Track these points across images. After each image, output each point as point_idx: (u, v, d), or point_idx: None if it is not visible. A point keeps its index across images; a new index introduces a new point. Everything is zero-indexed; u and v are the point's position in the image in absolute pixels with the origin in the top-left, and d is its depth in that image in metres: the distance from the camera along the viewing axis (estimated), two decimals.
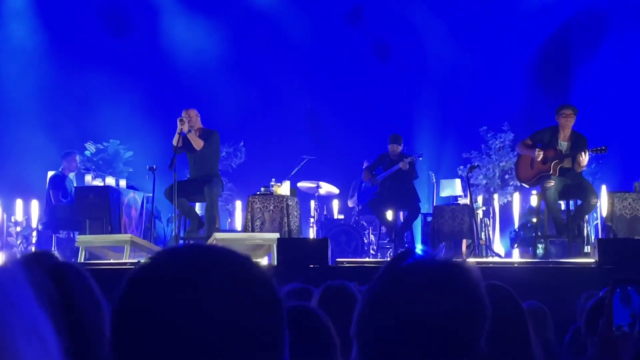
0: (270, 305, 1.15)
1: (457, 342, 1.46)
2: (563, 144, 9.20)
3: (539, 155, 9.19)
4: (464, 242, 10.63)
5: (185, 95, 14.55)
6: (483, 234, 11.15)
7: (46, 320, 0.95)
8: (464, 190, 12.32)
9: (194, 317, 1.09)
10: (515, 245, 12.23)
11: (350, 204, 13.61)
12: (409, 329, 1.45)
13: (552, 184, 9.03)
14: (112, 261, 9.29)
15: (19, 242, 12.00)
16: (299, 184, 12.62)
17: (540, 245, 10.25)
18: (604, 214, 9.82)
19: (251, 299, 1.13)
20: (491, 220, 13.34)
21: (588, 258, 8.61)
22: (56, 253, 10.40)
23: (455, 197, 12.25)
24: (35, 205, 12.09)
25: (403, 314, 1.46)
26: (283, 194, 10.01)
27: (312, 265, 7.35)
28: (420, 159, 11.19)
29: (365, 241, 12.04)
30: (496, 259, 10.10)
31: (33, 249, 11.33)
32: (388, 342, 1.47)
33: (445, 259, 1.55)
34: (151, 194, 10.56)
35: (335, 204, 13.73)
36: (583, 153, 8.93)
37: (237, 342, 1.10)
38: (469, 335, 1.48)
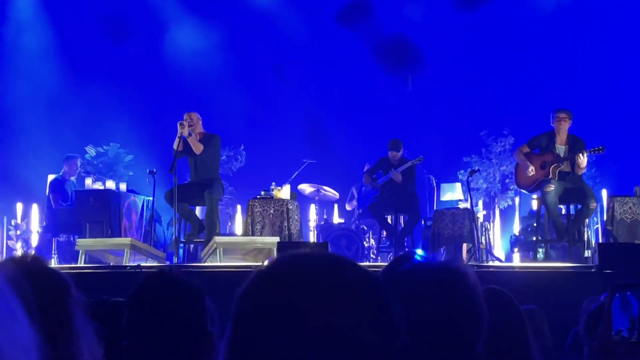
0: (386, 327, 1.15)
1: (454, 345, 1.46)
2: (560, 148, 9.22)
3: (531, 171, 9.24)
4: (465, 246, 10.62)
5: (186, 99, 14.55)
6: (483, 238, 11.14)
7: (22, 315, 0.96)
8: (464, 194, 12.32)
9: (312, 326, 1.08)
10: (516, 249, 12.22)
11: (348, 207, 13.60)
12: (406, 331, 1.45)
13: (552, 188, 9.03)
14: (112, 265, 9.29)
15: (18, 245, 11.99)
16: (300, 187, 12.62)
17: (540, 250, 10.24)
18: (604, 218, 9.82)
19: (369, 323, 1.12)
20: (492, 224, 13.33)
21: (588, 262, 8.60)
22: (56, 256, 10.42)
23: (456, 201, 12.24)
24: (35, 209, 12.09)
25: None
26: (283, 197, 10.00)
27: None
28: (420, 161, 11.16)
29: (366, 245, 12.03)
30: (496, 263, 10.08)
31: (32, 252, 11.32)
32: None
33: (443, 263, 1.54)
34: (151, 198, 10.55)
35: (336, 208, 13.73)
36: (581, 154, 8.94)
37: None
38: (466, 339, 1.48)
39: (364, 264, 10.67)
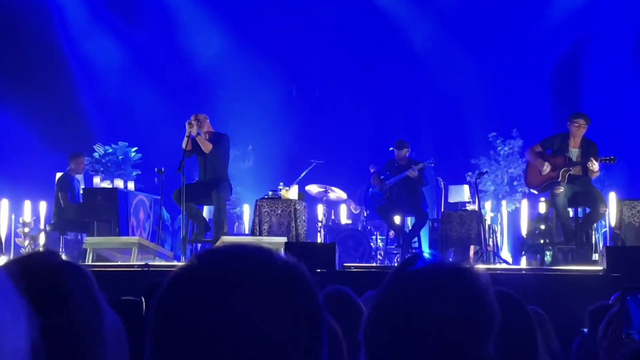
0: (310, 317, 1.14)
1: (465, 347, 1.46)
2: (573, 152, 9.19)
3: (547, 169, 9.20)
4: (472, 249, 10.60)
5: (195, 98, 14.57)
6: (491, 240, 11.12)
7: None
8: (472, 196, 12.30)
9: (231, 322, 1.07)
10: (523, 252, 12.19)
11: (353, 208, 13.59)
12: (417, 333, 1.45)
13: (562, 190, 9.01)
14: (119, 263, 9.30)
15: (26, 243, 12.02)
16: (307, 187, 12.61)
17: (548, 253, 10.22)
18: (613, 222, 9.79)
19: (291, 309, 1.11)
20: (499, 226, 13.31)
21: (596, 266, 8.58)
22: (63, 254, 10.44)
23: (464, 203, 12.23)
24: (43, 207, 12.11)
25: (411, 319, 1.46)
26: (291, 198, 10.00)
27: (319, 270, 7.34)
28: (432, 164, 11.16)
29: (373, 246, 12.02)
30: (504, 266, 10.06)
31: (40, 250, 11.34)
32: (396, 346, 1.46)
33: (454, 264, 1.54)
34: (159, 197, 10.56)
35: (344, 209, 13.72)
36: (593, 160, 8.91)
37: (273, 352, 1.08)
38: (477, 341, 1.47)
39: (372, 265, 10.67)
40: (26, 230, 12.18)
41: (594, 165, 8.92)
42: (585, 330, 3.78)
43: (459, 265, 1.53)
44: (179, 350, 1.09)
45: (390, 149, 11.16)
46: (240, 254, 1.16)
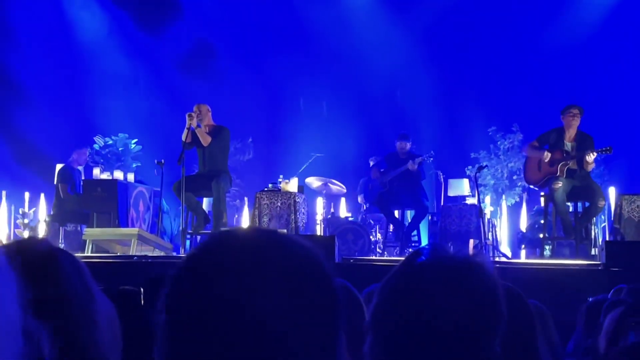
0: (328, 304, 1.12)
1: (474, 340, 1.46)
2: (569, 145, 9.19)
3: (547, 156, 9.20)
4: (471, 242, 10.61)
5: (195, 90, 14.55)
6: (490, 234, 11.13)
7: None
8: (472, 190, 12.30)
9: (245, 308, 1.05)
10: (523, 246, 12.20)
11: (360, 200, 13.59)
12: (426, 323, 1.45)
13: (560, 185, 9.02)
14: (119, 254, 9.31)
15: (26, 234, 12.03)
16: (307, 180, 12.60)
17: (547, 247, 10.23)
18: (612, 216, 9.79)
19: (310, 296, 1.09)
20: (499, 220, 13.32)
21: (595, 260, 8.58)
22: (63, 245, 10.44)
23: (463, 197, 12.23)
24: (43, 198, 12.11)
25: (421, 309, 1.46)
26: (291, 190, 10.01)
27: None
28: (432, 159, 11.16)
29: (372, 239, 12.01)
30: (503, 260, 10.07)
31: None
32: (405, 335, 1.46)
33: (466, 256, 1.53)
34: (159, 189, 10.57)
35: (343, 202, 13.72)
36: (590, 153, 8.91)
37: (289, 341, 1.06)
38: (486, 334, 1.47)
39: (371, 257, 10.67)
40: (26, 221, 12.19)
41: (589, 157, 8.92)
42: (580, 327, 3.78)
43: (471, 258, 1.53)
44: (192, 335, 1.06)
45: (404, 143, 11.10)
46: (257, 237, 1.14)
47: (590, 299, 3.82)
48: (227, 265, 1.08)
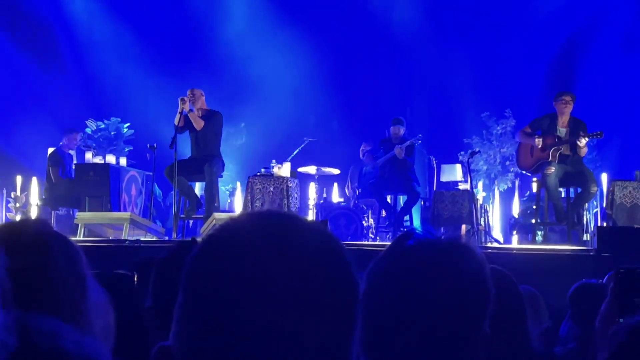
0: (346, 289, 1.11)
1: (462, 321, 1.46)
2: (562, 130, 9.20)
3: (539, 142, 9.21)
4: (463, 228, 10.62)
5: (187, 75, 14.50)
6: (482, 219, 11.15)
7: None
8: (464, 175, 12.32)
9: (263, 289, 1.04)
10: (515, 231, 12.24)
11: (347, 191, 13.57)
12: (414, 307, 1.45)
13: (553, 170, 9.03)
14: (111, 239, 9.30)
15: (18, 218, 12.00)
16: (300, 169, 12.59)
17: (539, 232, 10.26)
18: (604, 202, 9.82)
19: (326, 282, 1.08)
20: (491, 206, 13.35)
21: (587, 246, 8.61)
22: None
23: (456, 182, 12.25)
24: (35, 182, 12.08)
25: (409, 293, 1.46)
26: (283, 175, 10.00)
27: None
28: (419, 142, 11.15)
29: (365, 224, 12.03)
30: (495, 245, 10.10)
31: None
32: (394, 320, 1.46)
33: (452, 239, 1.54)
34: (151, 173, 10.55)
35: (335, 187, 13.71)
36: (582, 137, 8.92)
37: (306, 323, 1.05)
38: (474, 316, 1.48)
39: (364, 242, 10.69)
40: (17, 205, 12.16)
41: (581, 141, 8.93)
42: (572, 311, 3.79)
43: (456, 241, 1.53)
44: (211, 315, 1.06)
45: (398, 128, 11.08)
46: (278, 220, 1.12)
47: (577, 283, 3.82)
48: (247, 247, 1.07)
